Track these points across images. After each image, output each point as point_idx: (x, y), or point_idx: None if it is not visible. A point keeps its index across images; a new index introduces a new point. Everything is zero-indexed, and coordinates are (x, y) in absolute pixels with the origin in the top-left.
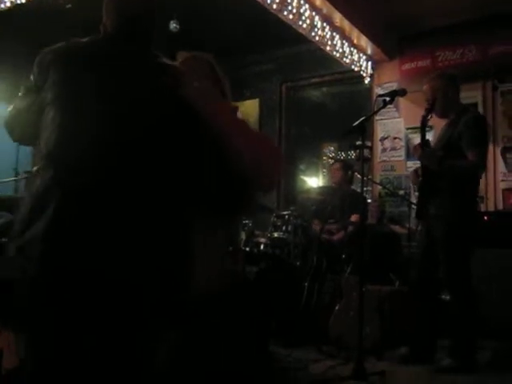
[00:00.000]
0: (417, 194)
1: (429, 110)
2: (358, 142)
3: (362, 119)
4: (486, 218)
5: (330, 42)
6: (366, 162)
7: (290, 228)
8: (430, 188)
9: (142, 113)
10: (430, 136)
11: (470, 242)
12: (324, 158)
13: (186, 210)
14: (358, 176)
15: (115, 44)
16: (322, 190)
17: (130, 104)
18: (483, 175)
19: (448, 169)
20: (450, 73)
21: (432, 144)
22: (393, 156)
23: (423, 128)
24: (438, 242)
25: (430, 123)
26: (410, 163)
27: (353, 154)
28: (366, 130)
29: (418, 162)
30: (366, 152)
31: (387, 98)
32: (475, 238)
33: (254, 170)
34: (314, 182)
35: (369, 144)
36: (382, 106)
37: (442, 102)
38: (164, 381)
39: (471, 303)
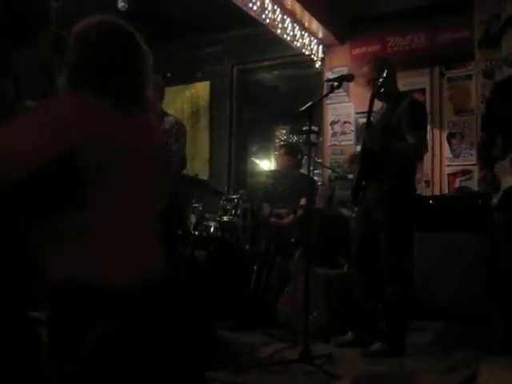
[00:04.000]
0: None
1: (379, 87)
2: (305, 127)
3: (308, 104)
4: (431, 201)
5: (280, 25)
6: (313, 146)
7: (239, 212)
8: (369, 172)
9: None
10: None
11: (411, 225)
12: (276, 141)
13: None
14: (314, 159)
15: None
16: (272, 174)
17: None
18: (430, 160)
19: (390, 149)
20: (386, 57)
21: None
22: (343, 140)
23: (370, 107)
24: (378, 226)
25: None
26: (359, 147)
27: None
28: (313, 115)
29: None
30: (313, 137)
31: (335, 83)
32: (416, 222)
33: None
34: (265, 165)
35: (316, 129)
36: (329, 91)
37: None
38: (95, 370)
39: (407, 288)
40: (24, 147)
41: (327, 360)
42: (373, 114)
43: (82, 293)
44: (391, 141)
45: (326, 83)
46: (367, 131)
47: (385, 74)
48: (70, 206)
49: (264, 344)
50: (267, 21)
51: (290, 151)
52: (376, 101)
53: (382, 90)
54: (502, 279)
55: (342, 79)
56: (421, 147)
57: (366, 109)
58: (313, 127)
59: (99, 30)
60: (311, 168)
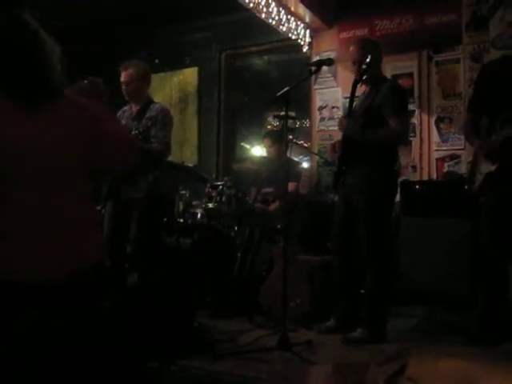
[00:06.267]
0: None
1: (362, 73)
2: (283, 113)
3: (285, 89)
4: (417, 186)
5: (265, 9)
6: (292, 131)
7: (223, 198)
8: (349, 158)
9: None
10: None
11: (389, 211)
12: (268, 127)
13: None
14: (298, 143)
15: None
16: (258, 160)
17: None
18: (418, 145)
19: (372, 137)
20: (374, 39)
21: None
22: (331, 125)
23: (353, 93)
24: (357, 212)
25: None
26: None
27: (296, 123)
28: (290, 100)
29: None
30: (291, 122)
31: (313, 68)
32: (394, 208)
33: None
34: (256, 151)
35: (293, 114)
36: (307, 75)
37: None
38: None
39: (388, 274)
40: None
41: (307, 347)
42: (356, 99)
43: None
44: (372, 129)
45: (304, 68)
46: (347, 124)
47: (368, 60)
48: None
49: (246, 331)
50: (251, 5)
51: (275, 138)
52: (360, 85)
53: (365, 76)
54: (479, 263)
55: (321, 63)
56: (402, 132)
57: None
58: (290, 113)
59: None
60: (288, 153)
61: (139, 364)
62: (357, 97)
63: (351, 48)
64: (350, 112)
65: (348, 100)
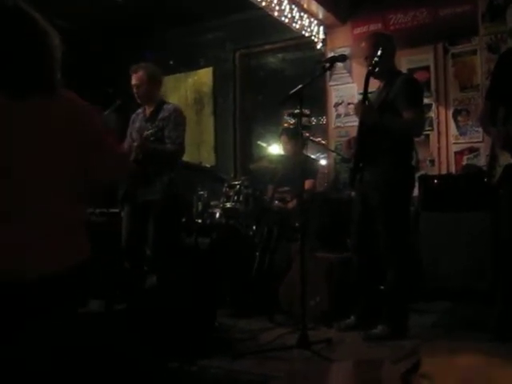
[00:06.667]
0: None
1: (374, 65)
2: (297, 110)
3: (299, 87)
4: (435, 181)
5: (277, 7)
6: (306, 129)
7: (241, 198)
8: (364, 154)
9: None
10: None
11: (407, 208)
12: (285, 124)
13: None
14: (315, 140)
15: None
16: (275, 158)
17: None
18: (436, 139)
19: (388, 121)
20: (387, 33)
21: None
22: (347, 122)
23: (366, 85)
24: (374, 209)
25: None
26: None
27: (313, 121)
28: (303, 98)
29: None
30: (306, 120)
31: (326, 64)
32: (422, 202)
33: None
34: (273, 149)
35: (307, 111)
36: (321, 72)
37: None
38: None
39: (407, 270)
40: None
41: (326, 345)
42: (371, 94)
43: None
44: (388, 115)
45: (317, 65)
46: (364, 107)
47: (379, 53)
48: None
49: (266, 330)
50: (263, 3)
51: (291, 135)
52: (374, 80)
53: (377, 69)
54: (500, 256)
55: (334, 60)
56: (417, 123)
57: (370, 89)
58: (305, 110)
59: None
60: (305, 151)
61: (136, 364)
62: (371, 92)
63: (363, 44)
64: (364, 98)
65: (360, 95)
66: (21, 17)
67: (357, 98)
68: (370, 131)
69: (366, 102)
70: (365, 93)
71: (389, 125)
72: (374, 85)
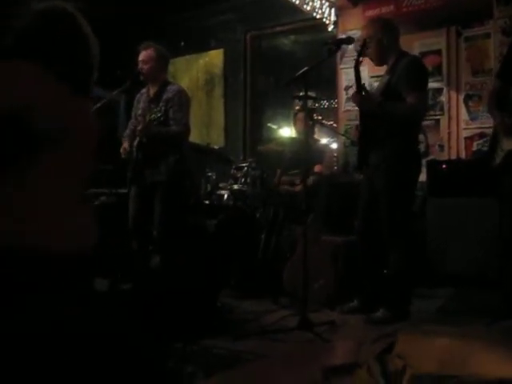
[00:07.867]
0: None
1: (359, 53)
2: (302, 93)
3: (304, 69)
4: (444, 166)
5: None
6: (312, 112)
7: (248, 179)
8: (369, 138)
9: None
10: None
11: (411, 192)
12: (296, 107)
13: None
14: (324, 123)
15: None
16: (284, 141)
17: None
18: (447, 123)
19: (388, 110)
20: (385, 19)
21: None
22: None
23: (357, 72)
24: (379, 192)
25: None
26: None
27: (325, 104)
28: (309, 80)
29: None
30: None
31: (333, 47)
32: (418, 188)
33: None
34: (283, 132)
35: (313, 95)
36: (327, 55)
37: (375, 49)
38: None
39: (410, 255)
40: None
41: (329, 327)
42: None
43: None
44: (387, 102)
45: (324, 47)
46: (361, 97)
47: (362, 42)
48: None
49: (269, 312)
50: None
51: (308, 116)
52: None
53: (374, 56)
54: (505, 244)
55: (341, 42)
56: (419, 107)
57: (380, 72)
58: (311, 93)
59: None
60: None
61: (139, 344)
62: (379, 76)
63: (360, 34)
64: (358, 86)
65: (371, 79)
66: (73, 20)
67: (367, 81)
68: (370, 117)
69: (361, 85)
70: (357, 82)
71: (389, 111)
72: (382, 69)
